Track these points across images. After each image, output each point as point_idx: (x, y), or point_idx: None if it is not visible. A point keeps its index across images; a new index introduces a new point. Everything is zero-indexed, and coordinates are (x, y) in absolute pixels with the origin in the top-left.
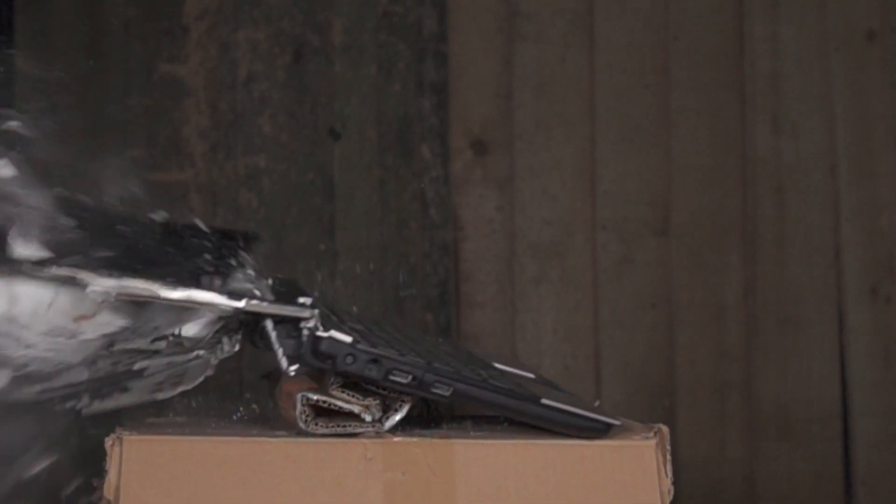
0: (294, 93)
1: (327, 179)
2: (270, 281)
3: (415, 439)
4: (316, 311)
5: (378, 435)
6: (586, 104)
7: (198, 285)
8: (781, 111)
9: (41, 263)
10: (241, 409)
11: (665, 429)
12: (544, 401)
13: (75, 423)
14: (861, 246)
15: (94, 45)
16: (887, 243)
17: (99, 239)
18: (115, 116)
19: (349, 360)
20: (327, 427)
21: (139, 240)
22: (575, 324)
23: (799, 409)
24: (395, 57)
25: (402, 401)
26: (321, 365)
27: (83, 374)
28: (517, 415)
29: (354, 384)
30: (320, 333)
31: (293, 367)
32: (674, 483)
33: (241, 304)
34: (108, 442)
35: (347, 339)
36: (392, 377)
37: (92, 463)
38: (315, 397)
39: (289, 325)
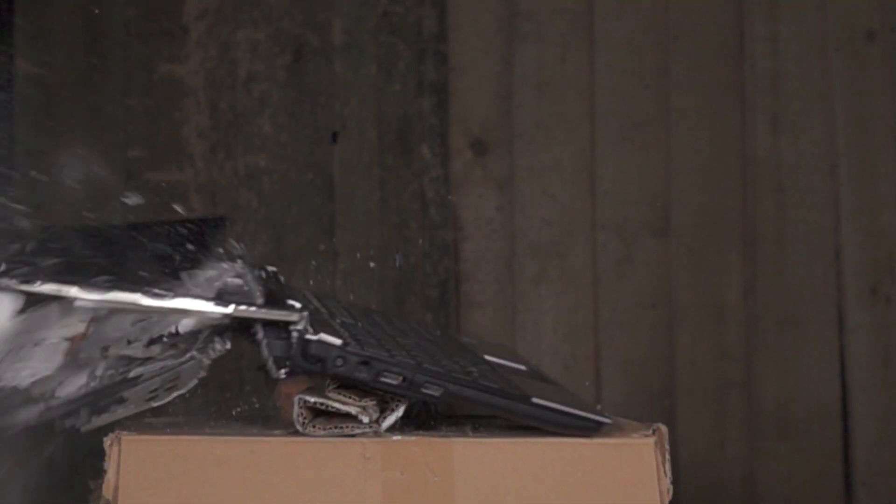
0: (294, 93)
1: (327, 179)
2: (259, 272)
3: (413, 438)
4: (305, 314)
5: (376, 434)
6: (586, 104)
7: (185, 292)
8: (781, 111)
9: (26, 280)
10: (242, 404)
11: (664, 428)
12: (535, 400)
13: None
14: (861, 246)
15: (94, 45)
16: (887, 243)
17: (73, 248)
18: (115, 116)
19: (339, 362)
20: (325, 429)
21: (114, 245)
22: (575, 324)
23: (799, 409)
24: (395, 57)
25: (399, 401)
26: (311, 368)
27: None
28: (508, 414)
29: (351, 385)
30: (309, 337)
31: (283, 371)
32: (673, 483)
33: (229, 309)
34: (107, 442)
35: (337, 341)
36: (382, 378)
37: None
38: (312, 400)
39: (278, 327)
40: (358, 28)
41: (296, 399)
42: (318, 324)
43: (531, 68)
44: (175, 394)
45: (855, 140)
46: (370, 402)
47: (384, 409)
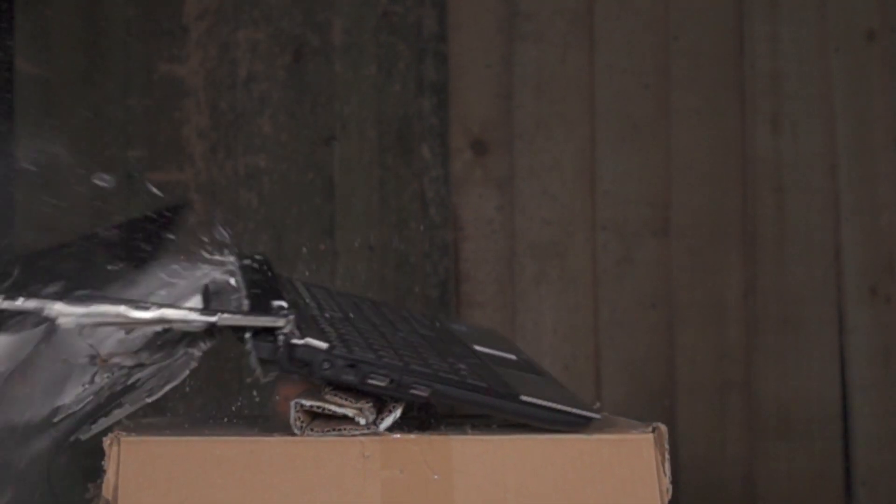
0: (294, 93)
1: (327, 179)
2: (248, 261)
3: (412, 437)
4: (291, 317)
5: (375, 433)
6: (586, 104)
7: (172, 297)
8: (781, 111)
9: (8, 297)
10: (242, 404)
11: (663, 427)
12: (523, 398)
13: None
14: (861, 246)
15: (94, 45)
16: (887, 243)
17: (48, 262)
18: (115, 116)
19: (326, 366)
20: (323, 431)
21: (89, 256)
22: (575, 324)
23: (799, 409)
24: (395, 57)
25: (397, 401)
26: (298, 372)
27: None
28: (496, 412)
29: (348, 387)
30: (295, 341)
31: (271, 374)
32: (672, 482)
33: (215, 318)
34: (107, 442)
35: (323, 345)
36: (370, 381)
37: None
38: (308, 403)
39: (265, 330)
40: (358, 28)
41: (292, 403)
42: (305, 323)
43: (531, 68)
44: (169, 386)
45: (855, 140)
46: (367, 405)
47: (382, 410)
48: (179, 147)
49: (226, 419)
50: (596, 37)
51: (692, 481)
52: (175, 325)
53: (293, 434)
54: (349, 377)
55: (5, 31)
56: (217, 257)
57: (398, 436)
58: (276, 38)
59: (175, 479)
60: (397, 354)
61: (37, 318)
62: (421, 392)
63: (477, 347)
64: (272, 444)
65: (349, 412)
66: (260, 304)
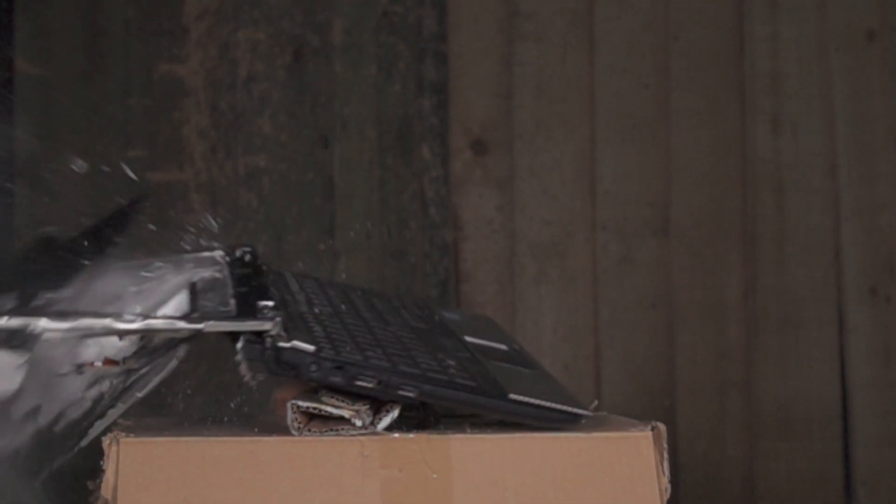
0: (294, 93)
1: (327, 179)
2: (235, 253)
3: (411, 436)
4: (278, 319)
5: (373, 433)
6: (586, 104)
7: (157, 303)
8: (781, 111)
9: None
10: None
11: (662, 426)
12: (512, 396)
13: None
14: (861, 246)
15: (94, 45)
16: (887, 243)
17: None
18: (115, 116)
19: (313, 368)
20: (320, 432)
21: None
22: (575, 324)
23: (799, 409)
24: (395, 57)
25: (393, 402)
26: (286, 374)
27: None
28: (485, 411)
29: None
30: (282, 344)
31: (259, 377)
32: (672, 482)
33: (202, 326)
34: (106, 442)
35: (310, 348)
36: (357, 382)
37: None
38: (305, 404)
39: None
40: (358, 28)
41: (289, 404)
42: (293, 323)
43: (531, 68)
44: (157, 380)
45: (855, 140)
46: (363, 406)
47: (379, 411)
48: (179, 147)
49: (225, 419)
50: (596, 37)
51: (692, 481)
52: (162, 334)
53: (285, 432)
54: (337, 379)
55: (5, 31)
56: (205, 253)
57: (397, 435)
58: (276, 38)
59: (174, 479)
60: (385, 354)
61: (22, 335)
62: (409, 393)
63: (468, 339)
64: (271, 444)
65: (346, 413)
66: (247, 305)
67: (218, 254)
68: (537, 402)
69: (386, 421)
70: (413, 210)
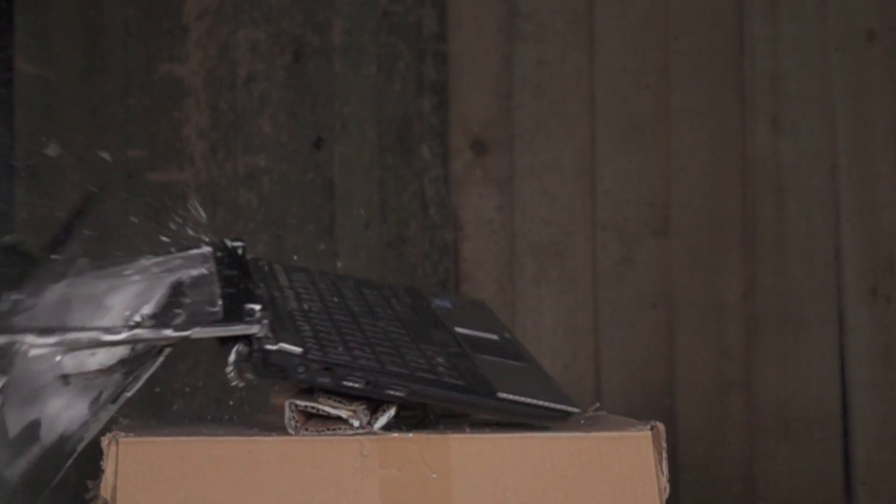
0: (294, 93)
1: (327, 179)
2: (222, 249)
3: (410, 435)
4: (265, 322)
5: (370, 433)
6: (586, 104)
7: (142, 310)
8: (781, 111)
9: None
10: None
11: (661, 426)
12: (500, 395)
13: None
14: (861, 246)
15: (94, 45)
16: (887, 243)
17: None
18: (115, 116)
19: (301, 370)
20: (318, 432)
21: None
22: (575, 324)
23: (799, 409)
24: (395, 57)
25: (389, 402)
26: (273, 377)
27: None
28: (473, 409)
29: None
30: (269, 347)
31: (247, 379)
32: (671, 482)
33: (188, 333)
34: (105, 442)
35: (297, 350)
36: (345, 383)
37: None
38: (303, 404)
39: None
40: (358, 28)
41: (287, 403)
42: (280, 323)
43: (531, 68)
44: (146, 376)
45: (855, 140)
46: (360, 406)
47: (376, 411)
48: (179, 147)
49: (225, 418)
50: (596, 37)
51: (692, 481)
52: (149, 343)
53: (285, 432)
54: (325, 380)
55: (5, 31)
56: (194, 251)
57: (396, 435)
58: (276, 38)
59: (173, 478)
60: (374, 352)
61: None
62: (397, 392)
63: (458, 330)
64: (270, 444)
65: (343, 413)
66: (234, 307)
67: (206, 250)
68: (526, 400)
69: (382, 420)
70: (413, 210)
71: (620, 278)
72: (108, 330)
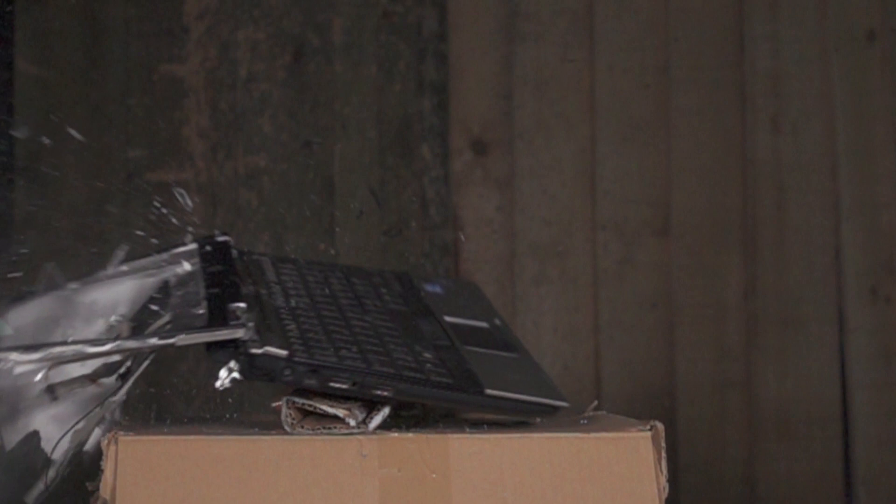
0: (294, 93)
1: (327, 179)
2: (208, 245)
3: (410, 435)
4: (250, 325)
5: (364, 435)
6: (586, 104)
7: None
8: (781, 111)
9: None
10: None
11: (660, 425)
12: (488, 391)
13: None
14: (861, 246)
15: (94, 45)
16: (887, 243)
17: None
18: (115, 116)
19: (287, 372)
20: (313, 430)
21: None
22: (575, 324)
23: (799, 409)
24: (395, 57)
25: (384, 401)
26: (260, 380)
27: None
28: (462, 407)
29: None
30: (254, 351)
31: (235, 382)
32: (671, 482)
33: (174, 340)
34: (104, 441)
35: (282, 353)
36: (332, 384)
37: None
38: (300, 401)
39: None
40: (358, 28)
41: (283, 400)
42: (266, 323)
43: (531, 68)
44: (132, 381)
45: (855, 140)
46: (356, 405)
47: (372, 409)
48: (179, 147)
49: (226, 417)
50: (596, 37)
51: (692, 481)
52: (134, 352)
53: (284, 431)
54: (311, 382)
55: (5, 31)
56: (179, 249)
57: (396, 434)
58: (276, 38)
59: (173, 477)
60: (361, 351)
61: None
62: (384, 392)
63: (447, 319)
64: (270, 443)
65: (339, 412)
66: (218, 310)
67: (192, 247)
68: (514, 395)
69: (377, 420)
70: (413, 210)
71: (620, 278)
72: (92, 342)
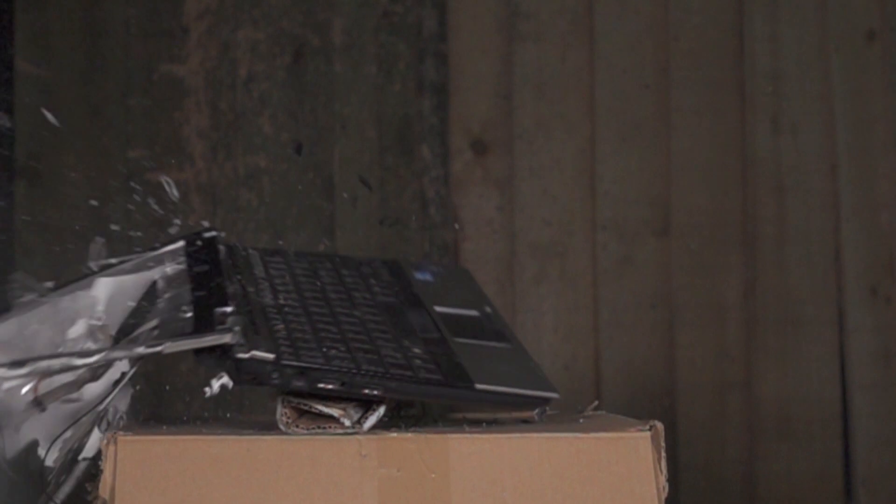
0: (294, 93)
1: (327, 179)
2: (197, 241)
3: (409, 435)
4: (237, 329)
5: (359, 432)
6: (586, 104)
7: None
8: (781, 111)
9: None
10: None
11: (660, 425)
12: (478, 386)
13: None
14: (861, 246)
15: (94, 45)
16: (887, 243)
17: None
18: (115, 116)
19: (274, 376)
20: (308, 429)
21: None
22: (575, 324)
23: (799, 409)
24: (395, 57)
25: (379, 401)
26: (248, 383)
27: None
28: (453, 402)
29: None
30: (241, 355)
31: (226, 382)
32: (671, 481)
33: (160, 348)
34: (104, 441)
35: (269, 356)
36: (320, 385)
37: None
38: (296, 400)
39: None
40: (358, 28)
41: (279, 399)
42: (254, 324)
43: (531, 68)
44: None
45: (855, 140)
46: (351, 405)
47: (367, 409)
48: (179, 147)
49: (227, 415)
50: (596, 37)
51: (692, 481)
52: (121, 360)
53: (280, 430)
54: (299, 384)
55: (5, 31)
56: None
57: (395, 434)
58: (276, 38)
59: (172, 478)
60: (349, 350)
61: None
62: (373, 392)
63: (438, 309)
64: (269, 443)
65: (334, 412)
66: (204, 315)
67: (178, 245)
68: (504, 389)
69: (372, 419)
70: (413, 210)
71: (620, 278)
72: (80, 354)
